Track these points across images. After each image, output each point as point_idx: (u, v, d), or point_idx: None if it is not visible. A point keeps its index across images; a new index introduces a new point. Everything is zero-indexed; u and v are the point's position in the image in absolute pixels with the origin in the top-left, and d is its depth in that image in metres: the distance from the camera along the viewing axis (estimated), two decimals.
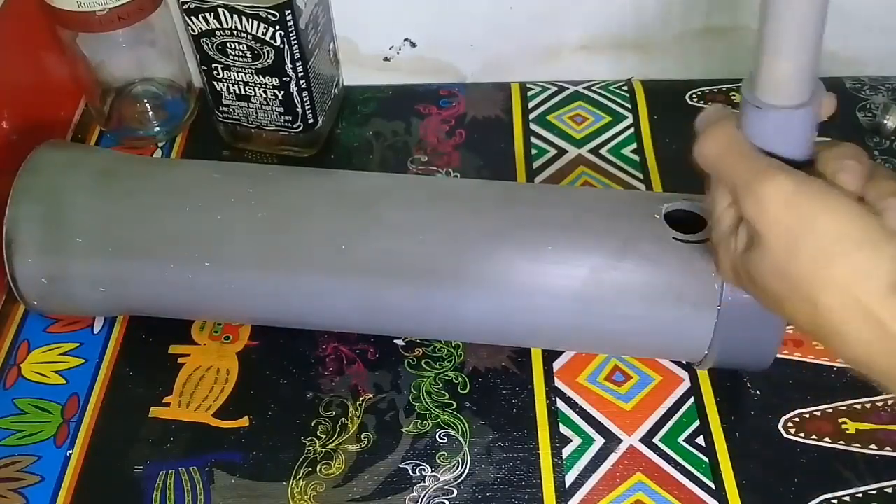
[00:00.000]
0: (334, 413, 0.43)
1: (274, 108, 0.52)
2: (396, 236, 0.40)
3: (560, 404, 0.43)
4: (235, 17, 0.47)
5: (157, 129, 0.56)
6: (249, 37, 0.48)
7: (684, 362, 0.44)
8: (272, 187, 0.42)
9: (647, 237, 0.39)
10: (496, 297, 0.40)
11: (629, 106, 0.58)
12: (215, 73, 0.51)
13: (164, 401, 0.43)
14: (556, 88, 0.59)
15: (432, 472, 0.40)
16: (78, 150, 0.48)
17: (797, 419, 0.42)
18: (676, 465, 0.40)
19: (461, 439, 0.41)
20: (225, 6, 0.47)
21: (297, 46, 0.48)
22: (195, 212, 0.41)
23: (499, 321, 0.41)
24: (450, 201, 0.42)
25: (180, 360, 0.45)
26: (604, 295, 0.39)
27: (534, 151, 0.55)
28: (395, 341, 0.45)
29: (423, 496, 0.39)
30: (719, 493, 0.39)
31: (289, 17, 0.47)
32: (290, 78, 0.50)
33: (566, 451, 0.41)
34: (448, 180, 0.52)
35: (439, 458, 0.41)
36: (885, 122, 0.54)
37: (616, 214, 0.40)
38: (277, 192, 0.42)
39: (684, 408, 0.42)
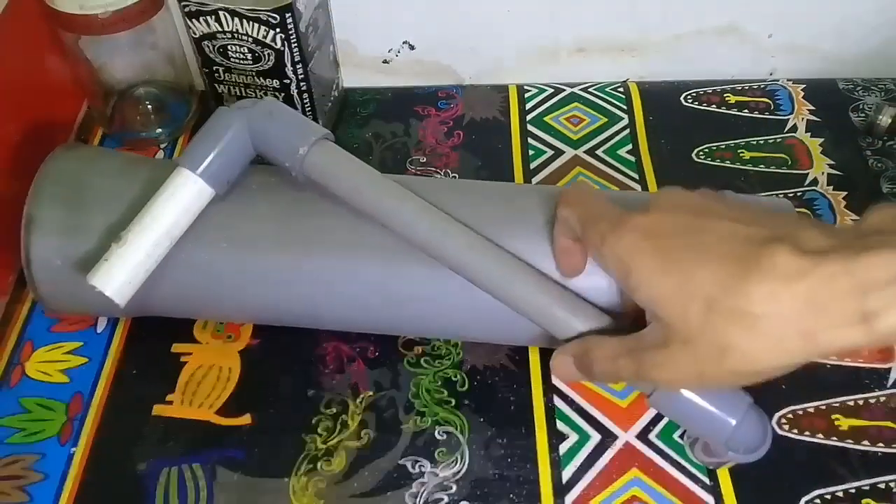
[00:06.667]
0: (335, 410, 0.43)
1: None
2: None
3: (557, 401, 0.43)
4: (236, 19, 0.47)
5: (160, 130, 0.56)
6: (250, 39, 0.48)
7: None
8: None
9: None
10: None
11: (625, 107, 0.58)
12: (216, 75, 0.51)
13: (166, 399, 0.44)
14: (552, 90, 0.60)
15: (431, 468, 0.41)
16: (100, 148, 0.48)
17: (791, 415, 0.42)
18: (672, 461, 0.41)
19: (460, 436, 0.42)
20: (226, 9, 0.47)
21: (297, 49, 0.49)
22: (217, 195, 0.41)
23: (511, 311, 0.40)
24: (465, 192, 0.42)
25: (183, 359, 0.45)
26: (615, 284, 0.38)
27: (531, 152, 0.55)
28: (395, 339, 0.46)
29: (423, 492, 0.40)
30: (714, 488, 0.40)
31: (289, 20, 0.47)
32: (291, 80, 0.50)
33: (563, 448, 0.41)
34: (461, 180, 0.52)
35: (438, 455, 0.41)
36: (878, 122, 0.55)
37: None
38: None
39: None
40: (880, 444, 0.41)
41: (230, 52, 0.49)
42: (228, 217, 0.41)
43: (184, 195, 0.39)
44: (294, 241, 0.40)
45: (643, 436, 0.42)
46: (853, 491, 0.40)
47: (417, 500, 0.40)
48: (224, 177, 0.40)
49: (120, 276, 0.38)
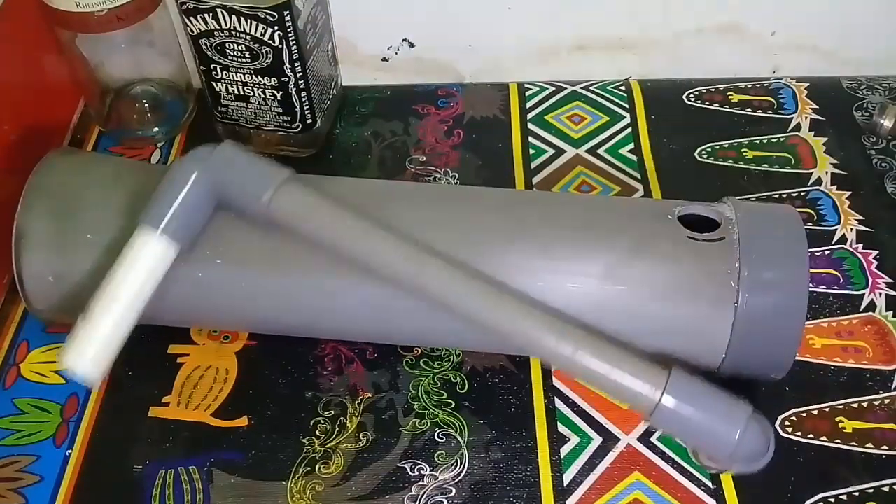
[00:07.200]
0: (333, 412, 0.43)
1: (272, 109, 0.52)
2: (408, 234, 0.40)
3: (558, 403, 0.43)
4: (234, 17, 0.47)
5: (156, 129, 0.56)
6: (248, 37, 0.48)
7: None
8: None
9: (662, 236, 0.39)
10: None
11: (627, 106, 0.58)
12: (214, 73, 0.51)
13: (163, 400, 0.43)
14: (553, 88, 0.59)
15: (431, 471, 0.40)
16: (92, 154, 0.48)
17: (794, 418, 0.42)
18: (674, 464, 0.40)
19: (459, 438, 0.42)
20: (223, 7, 0.47)
21: (295, 47, 0.48)
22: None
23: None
24: (459, 202, 0.42)
25: (179, 360, 0.45)
26: (619, 293, 0.38)
27: (532, 151, 0.55)
28: None
29: (422, 495, 0.40)
30: (717, 491, 0.39)
31: (287, 18, 0.47)
32: (289, 78, 0.50)
33: (564, 450, 0.41)
34: (454, 186, 0.52)
35: (438, 458, 0.41)
36: (882, 121, 0.54)
37: (629, 215, 0.40)
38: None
39: None
40: (884, 447, 0.41)
41: (228, 51, 0.49)
42: (219, 231, 0.40)
43: (147, 256, 0.38)
44: (290, 255, 0.40)
45: (645, 438, 0.41)
46: (857, 494, 0.39)
47: (417, 503, 0.39)
48: (188, 231, 0.39)
49: (89, 352, 0.37)
